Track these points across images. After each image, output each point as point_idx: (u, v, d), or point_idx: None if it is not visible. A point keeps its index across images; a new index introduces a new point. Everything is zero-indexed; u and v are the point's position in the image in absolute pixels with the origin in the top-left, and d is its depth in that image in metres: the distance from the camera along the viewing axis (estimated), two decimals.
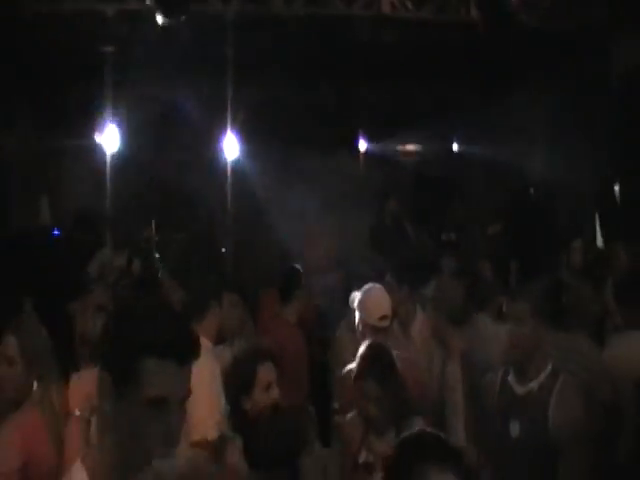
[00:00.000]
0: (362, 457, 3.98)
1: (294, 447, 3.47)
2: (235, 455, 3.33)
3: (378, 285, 5.14)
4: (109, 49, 9.37)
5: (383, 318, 4.87)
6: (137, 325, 1.91)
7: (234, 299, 5.25)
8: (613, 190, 9.00)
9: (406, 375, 4.29)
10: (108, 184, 10.15)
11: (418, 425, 3.93)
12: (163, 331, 1.89)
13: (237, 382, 3.56)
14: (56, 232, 8.51)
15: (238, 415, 3.53)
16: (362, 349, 4.19)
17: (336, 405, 5.61)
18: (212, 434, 3.75)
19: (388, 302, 4.93)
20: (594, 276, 7.42)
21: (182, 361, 1.90)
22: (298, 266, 6.58)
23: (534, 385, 3.68)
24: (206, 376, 3.91)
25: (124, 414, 1.88)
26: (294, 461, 3.22)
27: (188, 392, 1.92)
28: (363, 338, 4.67)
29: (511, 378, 3.78)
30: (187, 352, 1.92)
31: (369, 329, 4.81)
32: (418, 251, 10.34)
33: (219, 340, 4.82)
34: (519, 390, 3.73)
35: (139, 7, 7.68)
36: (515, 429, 3.66)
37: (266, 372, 3.54)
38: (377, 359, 4.06)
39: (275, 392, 3.52)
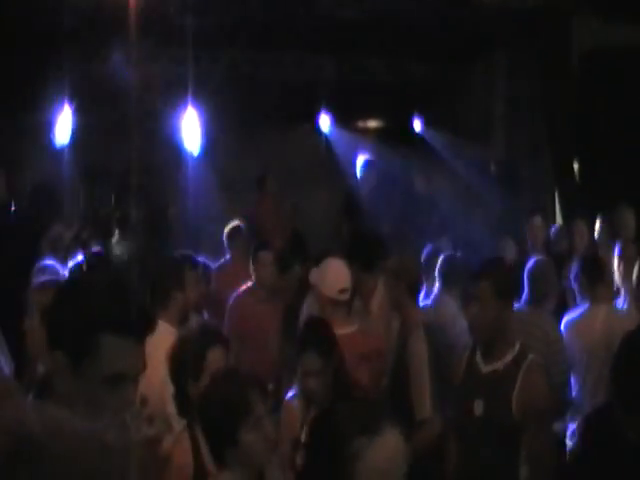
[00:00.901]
0: (304, 435, 3.86)
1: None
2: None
3: (337, 259, 5.04)
4: (68, 24, 9.14)
5: (343, 291, 4.71)
6: (94, 301, 1.88)
7: (195, 276, 5.07)
8: (572, 168, 9.10)
9: (362, 347, 4.29)
10: (65, 161, 9.95)
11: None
12: (120, 307, 1.88)
13: (183, 365, 3.41)
14: (12, 207, 8.33)
15: (182, 399, 3.40)
16: (304, 322, 4.17)
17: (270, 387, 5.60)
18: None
19: (348, 275, 4.79)
20: (555, 253, 7.54)
21: (138, 337, 1.89)
22: None
23: (499, 365, 3.69)
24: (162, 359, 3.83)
25: (79, 392, 1.86)
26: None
27: (143, 367, 1.91)
28: (323, 313, 4.64)
29: (478, 357, 3.78)
30: (143, 328, 1.91)
31: (329, 302, 4.69)
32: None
33: (183, 320, 4.68)
34: (484, 369, 3.74)
35: None
36: (479, 407, 3.67)
37: (216, 358, 3.38)
38: (317, 331, 4.03)
39: None
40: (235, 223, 7.80)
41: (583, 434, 3.48)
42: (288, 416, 4.02)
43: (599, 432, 3.20)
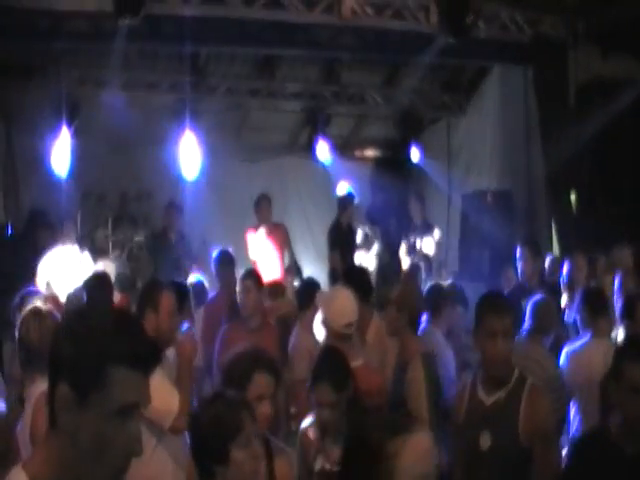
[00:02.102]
0: (318, 464, 3.89)
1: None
2: None
3: (346, 289, 4.99)
4: (66, 48, 9.20)
5: (348, 325, 4.68)
6: (102, 332, 1.80)
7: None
8: (569, 198, 9.11)
9: (365, 383, 4.26)
10: (63, 183, 9.96)
11: None
12: (129, 338, 1.82)
13: (229, 384, 3.35)
14: (9, 229, 8.33)
15: None
16: (317, 353, 4.14)
17: (293, 410, 5.56)
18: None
19: (355, 308, 4.74)
20: (548, 284, 7.54)
21: (147, 369, 1.85)
22: None
23: (502, 394, 3.65)
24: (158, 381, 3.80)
25: (85, 427, 1.78)
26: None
27: (148, 400, 1.87)
28: (324, 342, 4.60)
29: (479, 390, 3.74)
30: (152, 360, 1.87)
31: (332, 334, 4.63)
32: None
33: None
34: (487, 400, 3.70)
35: (96, 6, 7.53)
36: (486, 440, 3.63)
37: (260, 383, 3.33)
38: (331, 363, 3.99)
39: (266, 408, 3.30)
40: (223, 249, 7.74)
41: (578, 449, 3.48)
42: (303, 445, 4.01)
43: (595, 446, 3.27)
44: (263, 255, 9.39)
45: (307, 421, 4.09)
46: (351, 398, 3.88)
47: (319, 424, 3.94)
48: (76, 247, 8.44)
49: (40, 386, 3.54)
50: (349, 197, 10.52)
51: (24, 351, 3.69)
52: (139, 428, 1.83)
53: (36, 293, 5.66)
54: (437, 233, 10.15)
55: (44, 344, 3.66)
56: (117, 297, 6.59)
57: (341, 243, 10.25)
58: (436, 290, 6.23)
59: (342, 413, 3.84)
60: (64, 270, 7.81)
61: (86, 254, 8.63)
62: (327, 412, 3.84)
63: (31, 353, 3.69)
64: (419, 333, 5.59)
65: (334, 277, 9.91)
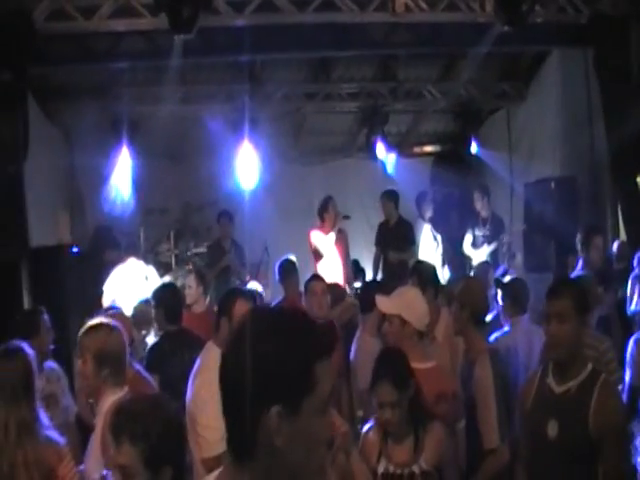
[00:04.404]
0: (381, 467, 3.89)
1: None
2: None
3: (413, 288, 4.97)
4: (124, 67, 9.40)
5: (428, 324, 4.71)
6: (296, 334, 1.66)
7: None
8: (635, 183, 8.86)
9: (437, 386, 4.23)
10: (126, 200, 10.19)
11: (437, 431, 3.89)
12: (320, 329, 1.74)
13: None
14: (75, 249, 8.54)
15: None
16: (378, 353, 4.12)
17: (360, 413, 5.56)
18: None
19: (427, 306, 4.73)
20: (617, 270, 7.38)
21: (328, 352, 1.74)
22: None
23: (573, 384, 3.59)
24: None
25: (298, 436, 1.63)
26: None
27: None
28: (402, 345, 4.49)
29: (549, 378, 3.69)
30: (331, 341, 1.79)
31: (415, 335, 4.52)
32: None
33: None
34: (557, 389, 3.64)
35: (151, 24, 7.66)
36: (554, 429, 3.58)
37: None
38: (392, 362, 3.98)
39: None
40: (288, 257, 7.81)
41: None
42: (366, 447, 4.00)
43: None
44: (329, 259, 9.40)
45: (369, 423, 4.08)
46: (413, 398, 3.87)
47: (381, 425, 3.93)
48: (141, 263, 8.64)
49: (110, 398, 3.64)
50: (385, 194, 10.42)
51: (108, 365, 3.75)
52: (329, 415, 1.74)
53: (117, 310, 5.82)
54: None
55: (123, 356, 3.81)
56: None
57: (383, 240, 10.24)
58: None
59: (404, 413, 3.84)
60: (130, 286, 8.01)
61: (151, 268, 8.82)
62: (389, 412, 3.84)
63: (114, 366, 3.75)
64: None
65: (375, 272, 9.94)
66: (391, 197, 10.31)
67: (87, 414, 4.77)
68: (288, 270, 7.62)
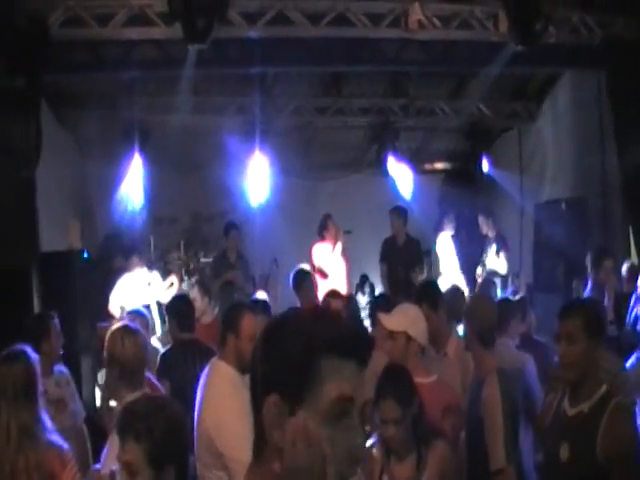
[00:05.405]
0: None
1: None
2: None
3: (413, 305, 4.95)
4: (136, 76, 9.42)
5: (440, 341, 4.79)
6: (304, 325, 1.62)
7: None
8: None
9: (439, 399, 4.19)
10: (136, 208, 10.21)
11: (440, 449, 3.85)
12: (334, 326, 1.64)
13: None
14: (85, 255, 8.56)
15: None
16: (381, 369, 4.08)
17: (367, 428, 5.51)
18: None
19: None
20: (627, 292, 7.33)
21: (360, 357, 1.66)
22: None
23: (585, 406, 3.54)
24: (237, 409, 3.77)
25: None
26: None
27: (364, 392, 1.68)
28: (406, 361, 4.42)
29: (565, 400, 3.65)
30: (364, 347, 1.68)
31: (419, 350, 4.53)
32: None
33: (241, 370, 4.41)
34: (570, 411, 3.60)
35: (165, 34, 7.67)
36: (565, 451, 3.53)
37: None
38: (396, 379, 3.94)
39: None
40: (302, 267, 7.83)
41: None
42: (368, 464, 3.92)
43: None
44: (334, 271, 9.39)
45: (371, 440, 4.04)
46: (416, 415, 3.84)
47: (384, 442, 3.90)
48: (145, 270, 8.69)
49: (129, 400, 3.62)
50: (395, 210, 10.38)
51: (118, 368, 3.74)
52: (359, 427, 1.60)
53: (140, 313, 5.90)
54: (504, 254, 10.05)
55: (138, 360, 3.81)
56: None
57: (390, 256, 10.17)
58: (504, 303, 6.10)
59: (407, 430, 3.81)
60: (134, 293, 8.05)
61: (155, 274, 8.87)
62: (392, 428, 3.80)
63: (125, 369, 3.75)
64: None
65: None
66: (401, 214, 10.28)
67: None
68: (302, 279, 7.65)
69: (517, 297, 6.78)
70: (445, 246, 10.92)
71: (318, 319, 1.63)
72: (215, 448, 3.99)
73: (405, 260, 10.07)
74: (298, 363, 1.56)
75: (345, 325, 1.63)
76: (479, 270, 10.33)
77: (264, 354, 1.62)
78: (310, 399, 1.56)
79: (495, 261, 10.13)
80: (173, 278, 9.03)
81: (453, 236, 11.10)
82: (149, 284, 8.62)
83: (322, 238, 9.64)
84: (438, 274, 10.78)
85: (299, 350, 1.57)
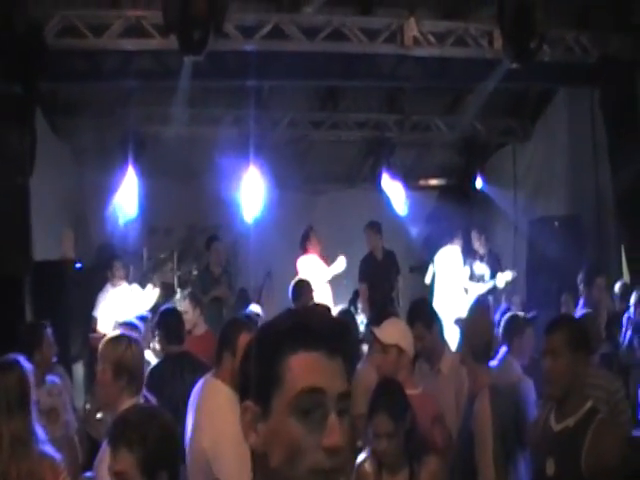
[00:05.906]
0: None
1: None
2: None
3: (399, 318, 5.05)
4: (132, 86, 9.44)
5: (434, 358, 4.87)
6: (274, 324, 1.60)
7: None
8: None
9: (421, 411, 4.19)
10: (131, 219, 10.19)
11: (432, 464, 3.84)
12: (301, 318, 1.62)
13: None
14: (78, 264, 8.54)
15: None
16: (374, 383, 4.08)
17: (359, 444, 5.49)
18: None
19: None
20: (619, 310, 7.35)
21: (329, 346, 1.59)
22: None
23: (571, 421, 3.53)
24: (235, 433, 3.72)
25: (273, 435, 1.53)
26: None
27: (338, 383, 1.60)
28: (396, 374, 4.43)
29: (552, 416, 3.65)
30: (334, 336, 1.60)
31: (409, 363, 4.60)
32: None
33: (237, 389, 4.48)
34: (556, 427, 3.60)
35: (161, 45, 7.70)
36: (551, 467, 3.52)
37: None
38: (389, 393, 3.95)
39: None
40: (301, 278, 7.83)
41: None
42: (360, 478, 3.94)
43: None
44: (319, 284, 9.35)
45: (363, 454, 4.03)
46: (409, 430, 3.84)
47: (376, 456, 3.89)
48: (125, 285, 8.68)
49: (125, 408, 3.60)
50: (371, 225, 10.23)
51: (126, 375, 3.73)
52: (334, 423, 1.51)
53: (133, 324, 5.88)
54: (508, 274, 10.01)
55: (142, 366, 3.88)
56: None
57: (370, 273, 10.03)
58: (511, 321, 6.10)
59: (400, 444, 3.80)
60: (124, 307, 8.03)
61: (135, 286, 8.85)
62: (385, 443, 3.79)
63: (133, 375, 3.75)
64: (497, 363, 5.54)
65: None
66: (378, 229, 10.18)
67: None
68: (301, 290, 7.63)
69: (529, 315, 6.80)
70: (449, 259, 10.84)
71: (288, 318, 1.61)
72: (210, 471, 3.95)
73: (388, 274, 10.06)
74: (264, 364, 1.55)
75: (312, 317, 1.60)
76: (469, 284, 10.32)
77: (240, 366, 1.63)
78: (278, 396, 1.53)
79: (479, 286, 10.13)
80: (151, 287, 9.04)
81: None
82: (134, 297, 8.63)
83: (305, 250, 9.64)
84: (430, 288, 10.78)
85: (264, 352, 1.56)
